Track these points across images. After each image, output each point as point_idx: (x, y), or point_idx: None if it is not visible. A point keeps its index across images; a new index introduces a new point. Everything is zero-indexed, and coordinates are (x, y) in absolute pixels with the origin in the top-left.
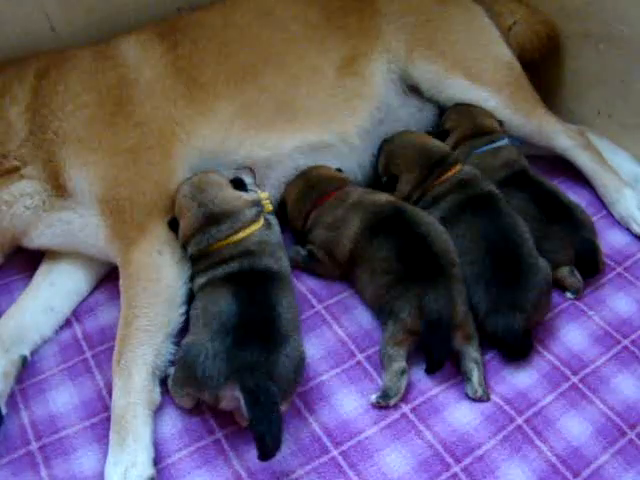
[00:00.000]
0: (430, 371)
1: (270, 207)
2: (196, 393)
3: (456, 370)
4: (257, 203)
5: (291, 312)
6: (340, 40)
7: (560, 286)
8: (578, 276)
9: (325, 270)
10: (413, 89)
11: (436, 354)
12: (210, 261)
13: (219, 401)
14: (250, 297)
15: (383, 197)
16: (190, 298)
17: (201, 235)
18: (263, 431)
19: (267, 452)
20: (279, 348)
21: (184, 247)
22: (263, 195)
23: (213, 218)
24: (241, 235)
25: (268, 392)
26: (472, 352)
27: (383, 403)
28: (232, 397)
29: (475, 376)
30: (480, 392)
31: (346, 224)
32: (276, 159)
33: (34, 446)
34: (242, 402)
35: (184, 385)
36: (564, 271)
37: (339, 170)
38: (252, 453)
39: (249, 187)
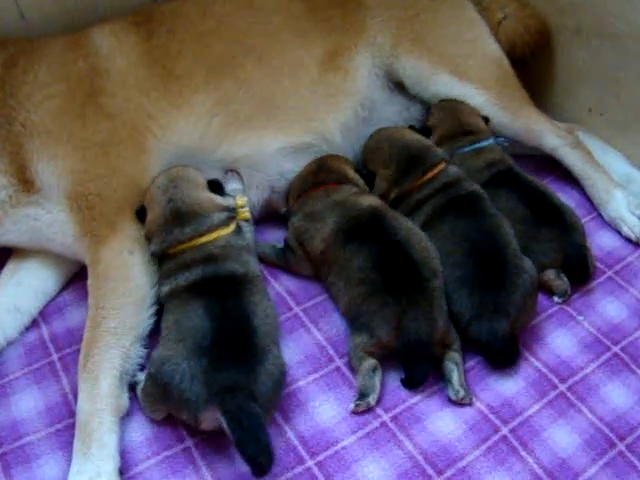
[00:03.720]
0: (409, 387)
1: (247, 215)
2: (173, 413)
3: (438, 377)
4: (230, 209)
5: (269, 322)
6: (323, 33)
7: (547, 289)
8: (564, 278)
9: (297, 264)
10: (399, 86)
11: (416, 373)
12: (172, 265)
13: (199, 423)
14: (223, 310)
15: (367, 200)
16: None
17: (164, 235)
18: (253, 453)
19: (261, 470)
20: (258, 366)
21: (147, 239)
22: (240, 202)
23: (179, 217)
24: (204, 239)
25: (251, 414)
26: (451, 353)
27: (363, 404)
28: (213, 419)
29: (455, 377)
30: (462, 393)
31: (321, 221)
32: (258, 160)
33: None
34: (225, 425)
35: (157, 402)
36: (550, 274)
37: (358, 171)
38: (223, 462)
39: (236, 193)
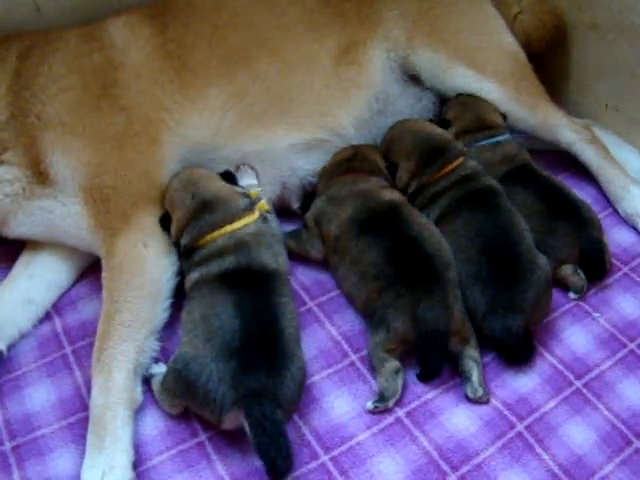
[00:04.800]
0: (425, 379)
1: (267, 206)
2: (193, 409)
3: (454, 372)
4: (248, 195)
5: (293, 324)
6: (338, 27)
7: (563, 285)
8: (581, 274)
9: (309, 242)
10: (413, 78)
11: (432, 364)
12: (204, 253)
13: (221, 423)
14: (253, 309)
15: (390, 195)
16: (177, 293)
17: (195, 222)
18: (273, 456)
19: (280, 474)
20: (284, 370)
21: (176, 242)
22: (255, 194)
23: (207, 206)
24: (236, 225)
25: (275, 421)
26: (470, 351)
27: (381, 407)
28: (236, 420)
29: (475, 375)
30: (480, 392)
31: (341, 206)
32: (270, 156)
33: (7, 446)
34: (247, 429)
35: (178, 397)
36: (566, 269)
37: (391, 165)
38: (237, 457)
39: (252, 187)
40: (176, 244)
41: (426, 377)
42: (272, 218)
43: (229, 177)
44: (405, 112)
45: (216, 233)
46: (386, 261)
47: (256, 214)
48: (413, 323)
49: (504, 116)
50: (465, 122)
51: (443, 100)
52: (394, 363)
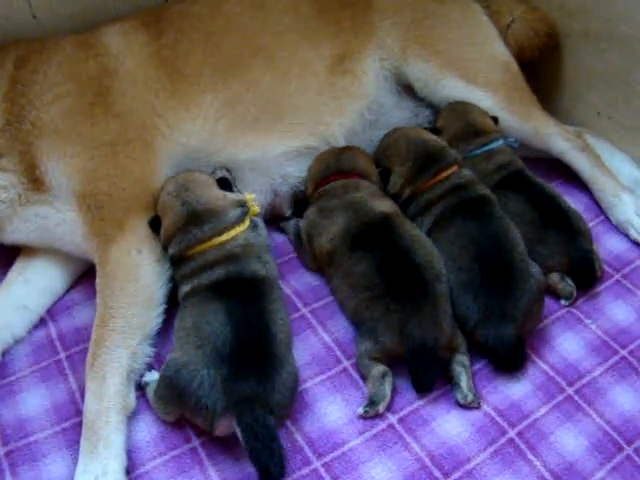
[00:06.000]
0: (418, 392)
1: (257, 209)
2: (187, 416)
3: (445, 379)
4: (243, 204)
5: (284, 330)
6: (332, 36)
7: (552, 293)
8: (569, 281)
9: (305, 254)
10: (408, 91)
11: (422, 379)
12: (194, 266)
13: (214, 429)
14: (244, 316)
15: (381, 206)
16: (170, 299)
17: (183, 235)
18: (265, 461)
19: (273, 479)
20: (275, 376)
21: (165, 247)
22: (249, 197)
23: (196, 217)
24: (224, 237)
25: (266, 427)
26: (459, 357)
27: (372, 412)
28: (228, 427)
29: (464, 380)
30: (470, 397)
31: (331, 218)
32: (262, 163)
33: (0, 452)
34: (239, 435)
35: (171, 404)
36: (553, 277)
37: (384, 171)
38: (230, 463)
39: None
40: (164, 246)
41: (419, 389)
42: (261, 224)
43: (225, 183)
44: (399, 125)
45: (204, 245)
46: (377, 272)
47: (246, 223)
48: (401, 339)
49: (495, 119)
50: (454, 128)
51: (438, 111)
52: (380, 367)
